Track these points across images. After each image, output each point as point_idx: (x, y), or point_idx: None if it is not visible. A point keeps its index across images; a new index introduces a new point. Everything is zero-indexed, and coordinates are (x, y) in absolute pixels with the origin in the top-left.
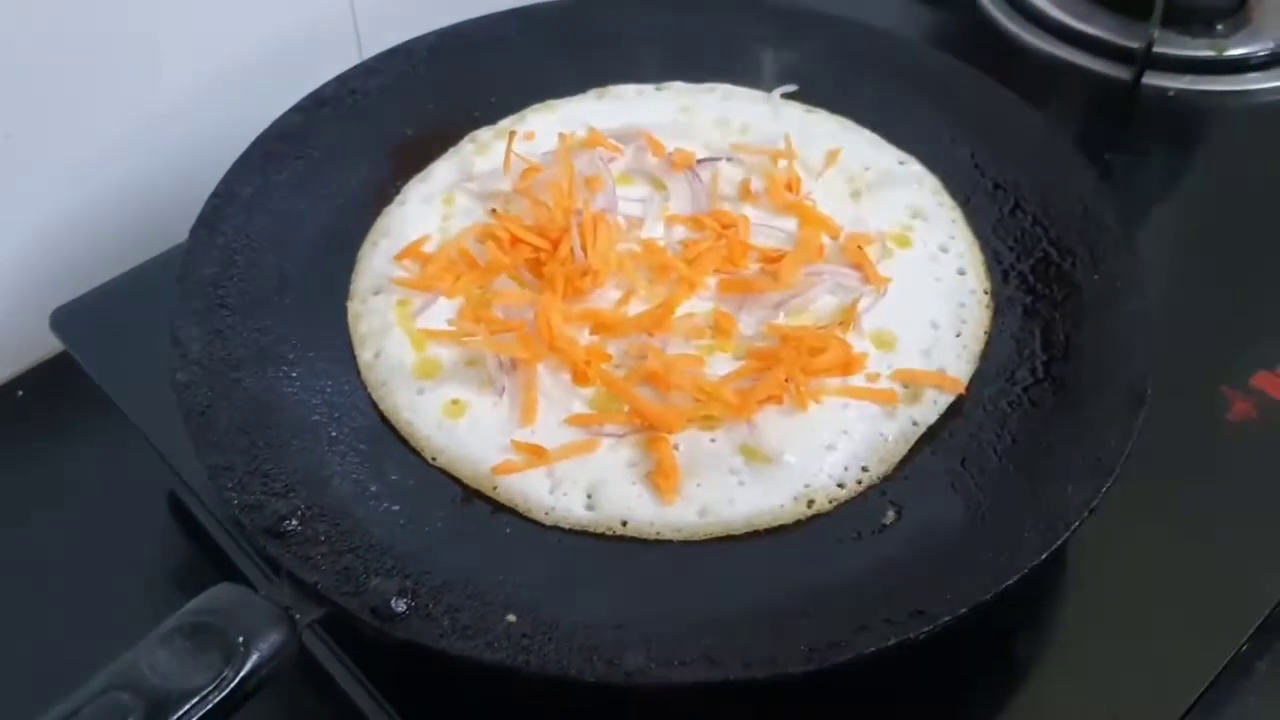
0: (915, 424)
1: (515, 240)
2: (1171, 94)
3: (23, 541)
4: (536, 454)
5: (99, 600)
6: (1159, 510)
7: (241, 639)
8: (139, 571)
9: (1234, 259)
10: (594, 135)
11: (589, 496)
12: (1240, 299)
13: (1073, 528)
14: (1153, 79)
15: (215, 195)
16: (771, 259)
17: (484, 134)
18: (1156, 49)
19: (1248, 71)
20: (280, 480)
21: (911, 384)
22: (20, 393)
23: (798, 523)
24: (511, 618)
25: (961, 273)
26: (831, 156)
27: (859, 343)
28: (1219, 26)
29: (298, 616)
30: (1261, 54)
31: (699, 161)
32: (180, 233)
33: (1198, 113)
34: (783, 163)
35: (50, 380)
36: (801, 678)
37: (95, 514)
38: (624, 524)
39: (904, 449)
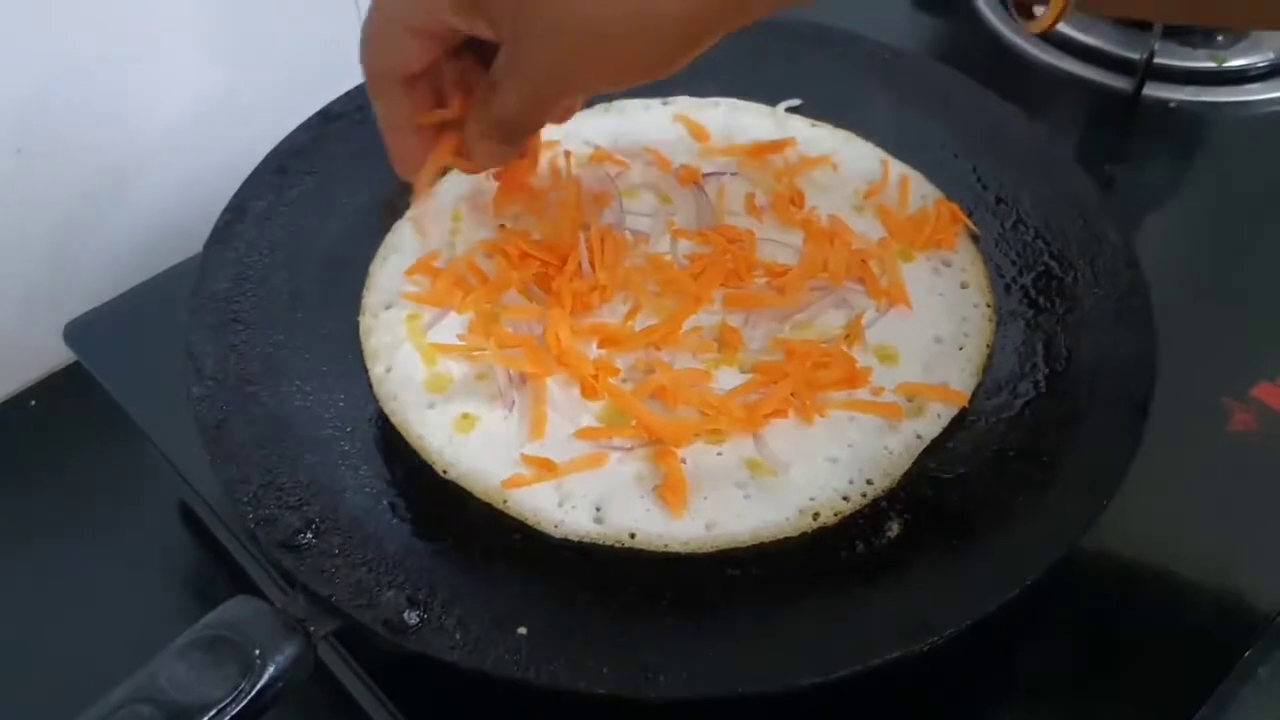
0: (919, 437)
1: (524, 255)
2: (1172, 105)
3: (35, 552)
4: (546, 467)
5: (112, 610)
6: (1159, 520)
7: (258, 652)
8: (152, 580)
9: (1235, 270)
10: (599, 152)
11: (598, 510)
12: (1241, 310)
13: (1074, 541)
14: (1153, 90)
15: (228, 211)
16: (777, 273)
17: None
18: (1157, 60)
19: (1248, 83)
20: (294, 494)
21: (915, 398)
22: (33, 403)
23: (803, 535)
24: (522, 630)
25: (964, 286)
26: (834, 171)
27: (863, 357)
28: (1219, 38)
29: (312, 629)
30: (1261, 65)
31: (705, 176)
32: (193, 246)
33: (1198, 124)
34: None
35: (63, 391)
36: (808, 690)
37: (107, 524)
38: (632, 536)
39: (908, 462)
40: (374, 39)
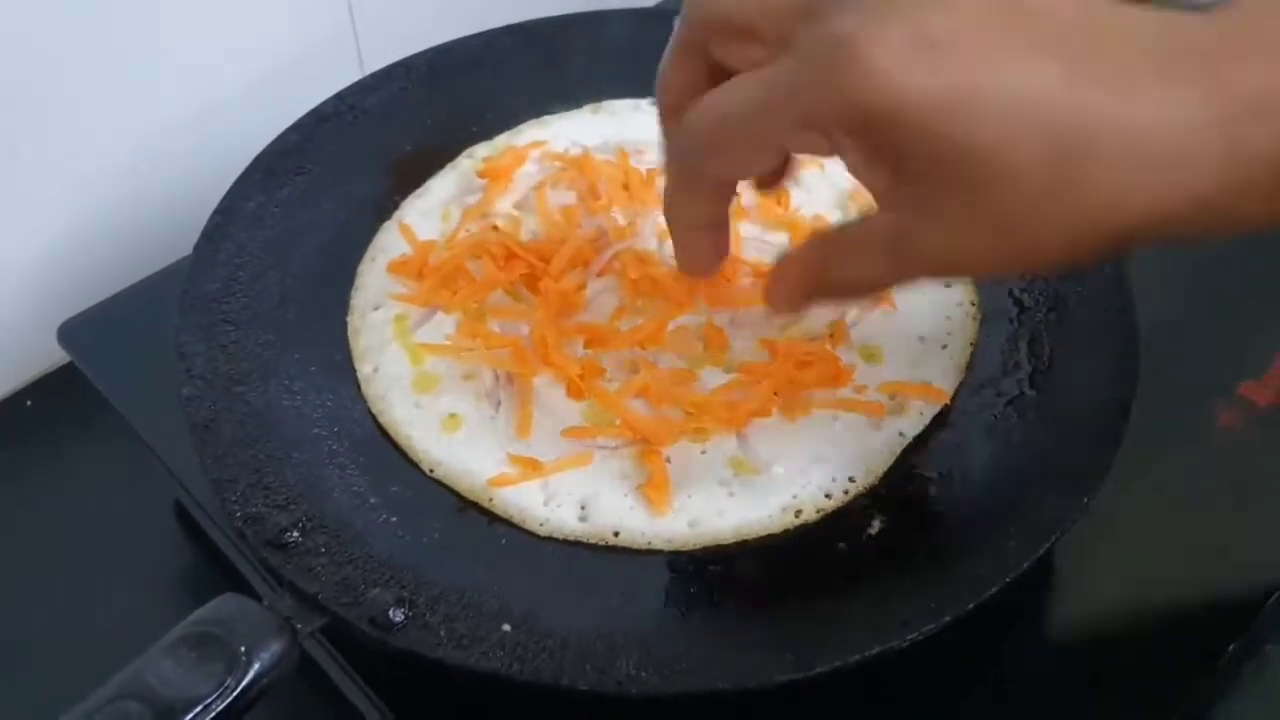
0: (901, 435)
1: (510, 256)
2: None
3: (30, 550)
4: (531, 466)
5: (106, 608)
6: (1146, 518)
7: (244, 648)
8: (146, 579)
9: (1222, 268)
10: (587, 153)
11: (582, 508)
12: (1227, 308)
13: (1054, 538)
14: None
15: (218, 211)
16: (762, 273)
17: (481, 149)
18: None
19: None
20: (282, 493)
21: (898, 396)
22: (28, 403)
23: (785, 533)
24: (506, 627)
25: (948, 285)
26: (820, 170)
27: (847, 356)
28: None
29: (299, 626)
30: None
31: None
32: (184, 247)
33: None
34: None
35: (57, 391)
36: (789, 685)
37: (102, 523)
38: (616, 535)
39: (890, 460)
40: (731, 140)
